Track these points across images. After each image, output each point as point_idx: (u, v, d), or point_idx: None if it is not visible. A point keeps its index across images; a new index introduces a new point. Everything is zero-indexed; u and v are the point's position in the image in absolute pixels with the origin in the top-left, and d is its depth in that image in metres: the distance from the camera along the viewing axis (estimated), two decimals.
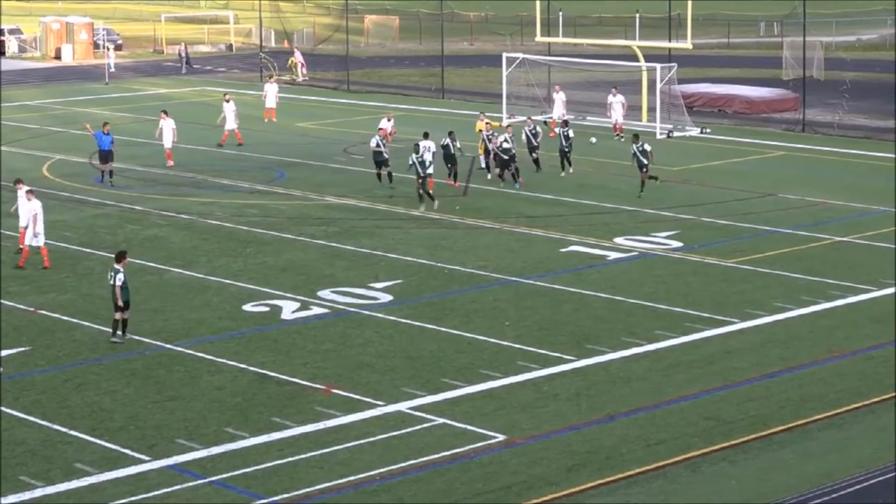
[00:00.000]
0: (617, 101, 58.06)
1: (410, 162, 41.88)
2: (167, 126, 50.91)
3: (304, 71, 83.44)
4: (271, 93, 64.73)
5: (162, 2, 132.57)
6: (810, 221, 40.51)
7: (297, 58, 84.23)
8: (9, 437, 23.70)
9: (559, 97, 59.76)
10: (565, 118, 52.74)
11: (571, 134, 48.39)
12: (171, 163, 50.71)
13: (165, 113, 51.77)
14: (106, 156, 46.43)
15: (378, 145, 45.18)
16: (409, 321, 30.48)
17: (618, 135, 57.04)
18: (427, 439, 23.34)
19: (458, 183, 45.60)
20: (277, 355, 28.14)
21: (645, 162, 43.26)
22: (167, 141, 50.88)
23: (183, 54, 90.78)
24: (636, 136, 44.16)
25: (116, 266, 29.00)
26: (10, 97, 73.56)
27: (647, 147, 43.57)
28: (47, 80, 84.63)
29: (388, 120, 56.95)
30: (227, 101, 56.44)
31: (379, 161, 45.29)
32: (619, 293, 32.55)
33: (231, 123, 55.95)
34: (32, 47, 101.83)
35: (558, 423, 24.09)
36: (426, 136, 45.05)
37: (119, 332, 29.09)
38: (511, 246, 37.65)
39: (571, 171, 47.83)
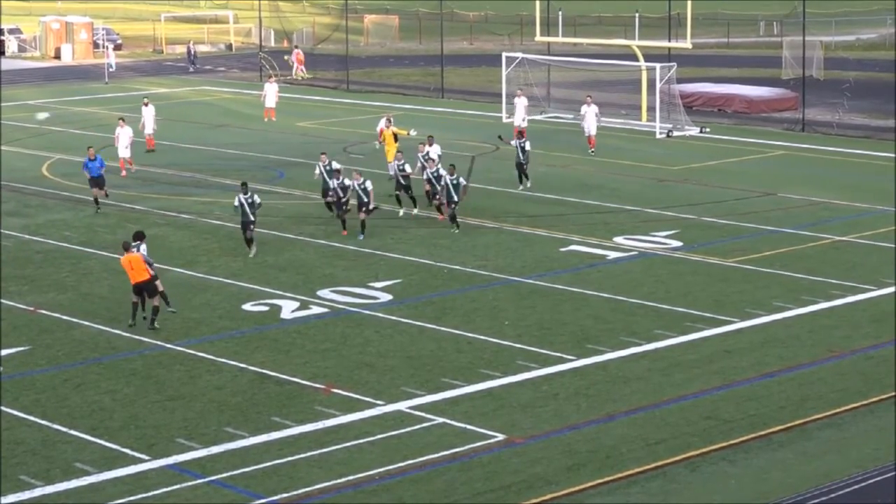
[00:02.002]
0: (591, 111, 53.57)
1: (236, 203, 36.47)
2: (124, 134, 48.83)
3: (301, 69, 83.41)
4: (271, 92, 64.70)
5: (162, 2, 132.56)
6: (810, 221, 40.52)
7: (294, 57, 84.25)
8: (9, 436, 23.70)
9: (521, 102, 56.39)
10: (522, 129, 49.00)
11: (528, 146, 44.85)
12: (130, 170, 48.86)
13: (123, 120, 49.84)
14: (98, 181, 42.57)
15: (321, 172, 40.85)
16: (409, 321, 30.48)
17: (592, 150, 52.99)
18: (427, 439, 23.35)
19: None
20: (277, 355, 28.14)
21: (455, 198, 38.73)
22: (123, 150, 48.79)
23: (191, 53, 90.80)
24: (452, 167, 39.27)
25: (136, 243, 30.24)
26: (10, 97, 73.57)
27: (463, 181, 39.21)
28: (47, 80, 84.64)
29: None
30: (146, 104, 54.67)
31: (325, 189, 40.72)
32: (619, 293, 32.55)
33: (148, 128, 54.05)
34: (32, 47, 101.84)
35: (558, 423, 24.10)
36: (430, 140, 44.17)
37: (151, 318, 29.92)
38: (511, 245, 37.65)
39: (529, 184, 44.98)
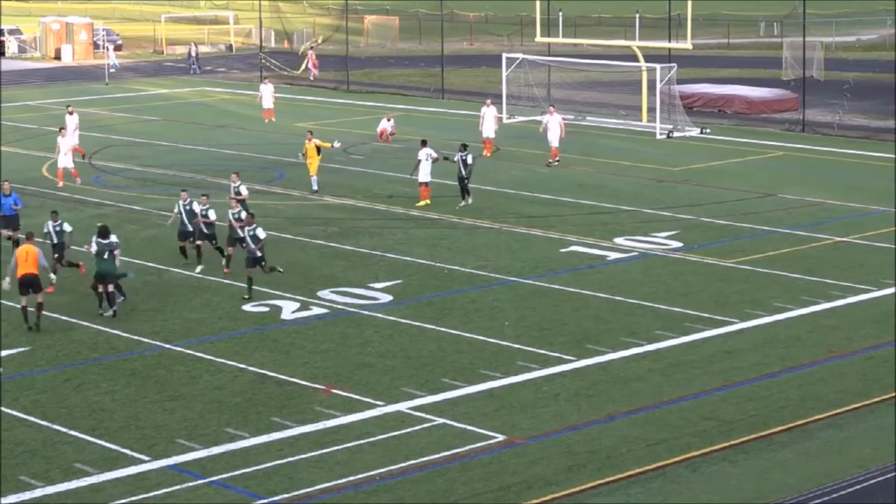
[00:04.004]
0: (555, 121, 50.84)
1: (93, 251, 31.04)
2: (65, 144, 47.25)
3: (315, 72, 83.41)
4: (267, 93, 64.62)
5: (162, 2, 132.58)
6: (810, 222, 40.52)
7: (310, 57, 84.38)
8: (9, 437, 23.70)
9: (490, 111, 52.54)
10: (464, 143, 44.43)
11: (471, 160, 42.62)
12: (78, 180, 47.18)
13: (63, 130, 48.54)
14: (9, 221, 37.15)
15: (179, 212, 35.33)
16: (408, 321, 30.48)
17: (555, 159, 50.52)
18: (427, 439, 23.35)
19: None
20: (277, 355, 28.14)
21: (255, 256, 32.42)
22: (65, 161, 47.06)
23: (192, 55, 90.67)
24: (251, 217, 33.54)
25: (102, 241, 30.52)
26: (10, 97, 73.54)
27: (261, 234, 32.28)
28: (47, 81, 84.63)
29: (388, 120, 57.17)
30: (71, 113, 53.30)
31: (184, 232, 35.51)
32: (619, 293, 32.54)
33: (73, 138, 51.06)
34: (32, 47, 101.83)
35: (558, 423, 24.09)
36: (423, 142, 43.92)
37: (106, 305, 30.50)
38: (511, 246, 37.65)
39: (471, 201, 42.51)
